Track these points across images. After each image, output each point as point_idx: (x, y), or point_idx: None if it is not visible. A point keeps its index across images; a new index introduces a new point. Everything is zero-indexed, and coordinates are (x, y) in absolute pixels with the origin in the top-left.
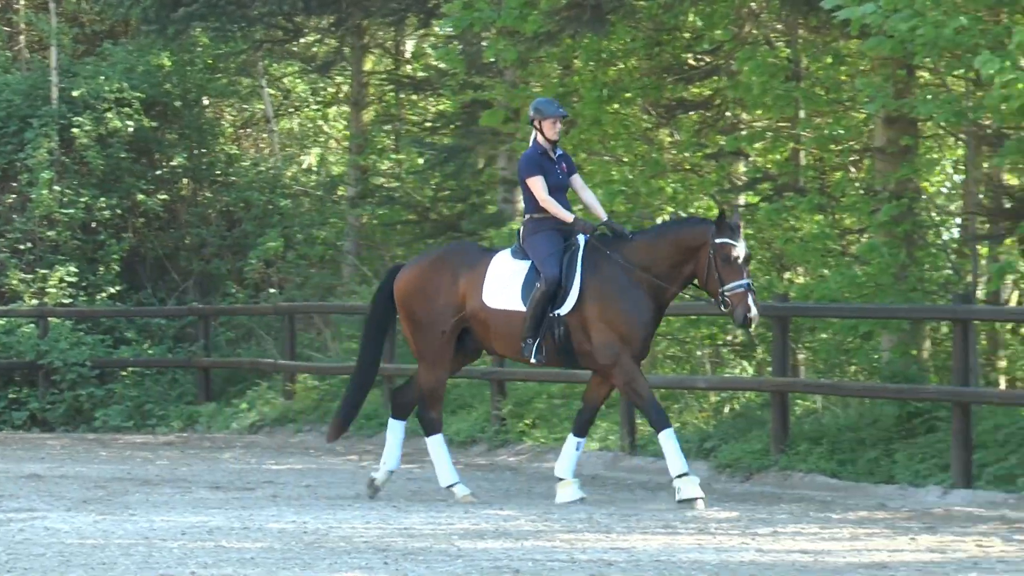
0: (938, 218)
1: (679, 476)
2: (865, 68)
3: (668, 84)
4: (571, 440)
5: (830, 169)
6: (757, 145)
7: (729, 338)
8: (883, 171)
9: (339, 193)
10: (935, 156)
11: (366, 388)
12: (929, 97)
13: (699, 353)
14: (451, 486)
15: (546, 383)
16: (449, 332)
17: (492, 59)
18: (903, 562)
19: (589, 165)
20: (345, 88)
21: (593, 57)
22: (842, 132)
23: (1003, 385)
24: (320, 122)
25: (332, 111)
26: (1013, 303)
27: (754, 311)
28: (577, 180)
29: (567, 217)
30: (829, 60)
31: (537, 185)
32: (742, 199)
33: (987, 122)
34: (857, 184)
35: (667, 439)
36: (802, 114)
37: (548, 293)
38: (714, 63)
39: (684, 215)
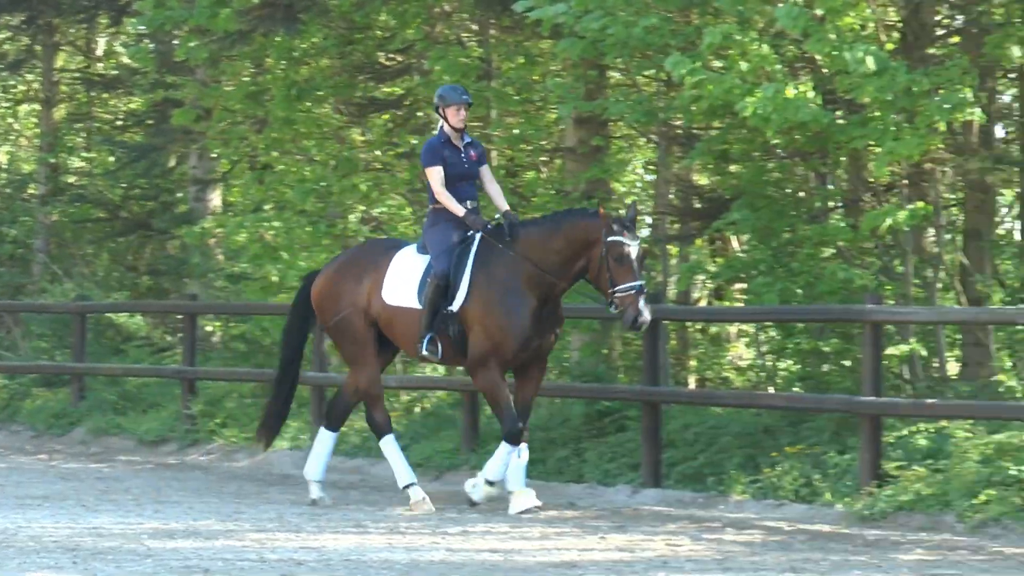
0: None
1: (488, 483)
2: (557, 68)
3: (360, 83)
4: (507, 448)
5: (521, 169)
6: None
7: None
8: (574, 171)
9: (29, 191)
10: (626, 156)
11: (288, 394)
12: (620, 98)
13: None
14: (407, 486)
15: (236, 383)
16: (364, 333)
17: (184, 58)
18: (593, 561)
19: (281, 164)
20: (36, 86)
21: (285, 56)
22: (533, 132)
23: (692, 384)
24: (10, 120)
25: (23, 109)
26: (702, 303)
27: (645, 314)
28: (485, 171)
29: (458, 211)
30: (521, 60)
31: (434, 176)
32: None
33: (677, 123)
34: (548, 184)
35: (505, 451)
36: (494, 114)
37: (439, 288)
38: (406, 62)
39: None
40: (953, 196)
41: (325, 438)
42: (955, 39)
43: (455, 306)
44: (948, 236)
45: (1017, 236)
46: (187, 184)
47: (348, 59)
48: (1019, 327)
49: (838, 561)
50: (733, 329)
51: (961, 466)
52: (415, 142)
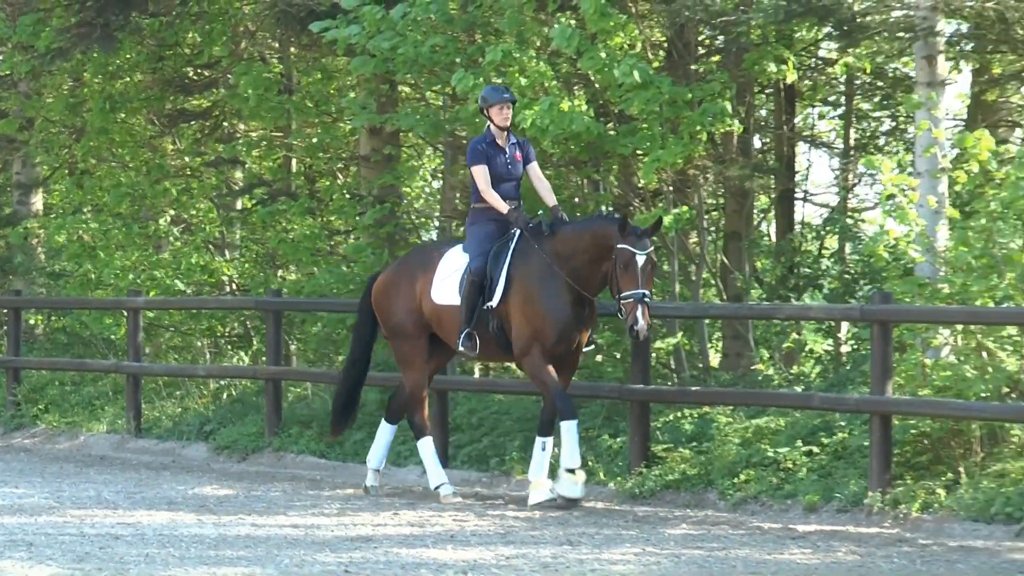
0: (418, 220)
1: (568, 470)
2: (351, 83)
3: (170, 96)
4: (538, 441)
5: (319, 175)
6: (253, 153)
7: (227, 330)
8: (368, 177)
9: None
10: (415, 164)
11: (355, 390)
12: (410, 111)
13: (199, 343)
14: (438, 487)
15: (58, 372)
16: (415, 335)
17: (7, 72)
18: (387, 536)
19: (98, 170)
20: None
21: (101, 70)
22: (330, 141)
23: (477, 374)
24: None
25: None
26: None
27: (641, 323)
28: (533, 169)
29: (502, 208)
30: (319, 75)
31: (478, 174)
32: (239, 203)
33: (462, 133)
34: (344, 189)
35: (568, 431)
36: (294, 125)
37: (476, 284)
38: (213, 77)
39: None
40: (714, 201)
41: (385, 430)
42: (716, 57)
43: (493, 302)
44: (710, 238)
45: (773, 237)
46: (11, 188)
47: (159, 74)
48: (775, 321)
49: (611, 535)
50: None
51: (722, 448)
52: (221, 150)
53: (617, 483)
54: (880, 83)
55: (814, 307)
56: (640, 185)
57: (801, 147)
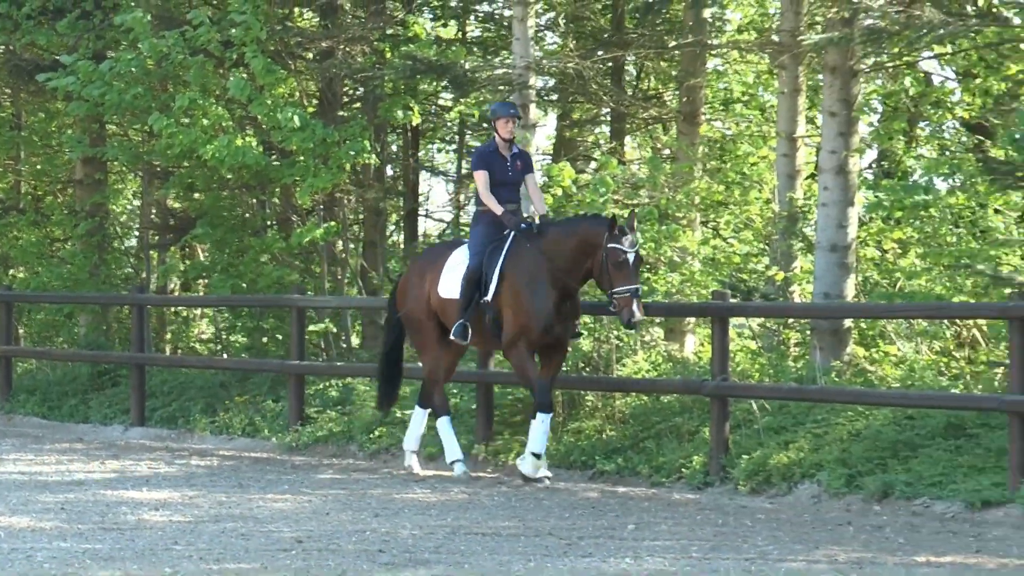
0: (122, 231)
1: (532, 454)
2: (69, 122)
3: None
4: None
5: (43, 195)
6: None
7: None
8: (82, 197)
9: None
10: (119, 187)
11: (393, 372)
12: (115, 144)
13: None
14: (453, 462)
15: None
16: (426, 324)
17: None
18: (95, 480)
19: None
20: None
21: None
22: (52, 168)
23: (168, 352)
24: None
25: None
26: (176, 293)
27: (638, 315)
28: (530, 179)
29: (497, 210)
30: (43, 116)
31: (479, 179)
32: None
33: (157, 163)
34: (63, 206)
35: (540, 421)
36: (22, 155)
37: (471, 280)
38: None
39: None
40: (355, 217)
41: (417, 414)
42: (358, 104)
43: (488, 296)
44: (352, 246)
45: (402, 245)
46: None
47: None
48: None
49: (273, 479)
50: (198, 312)
51: (362, 411)
52: None
53: (278, 438)
54: (486, 125)
55: None
56: (298, 205)
57: (424, 175)
